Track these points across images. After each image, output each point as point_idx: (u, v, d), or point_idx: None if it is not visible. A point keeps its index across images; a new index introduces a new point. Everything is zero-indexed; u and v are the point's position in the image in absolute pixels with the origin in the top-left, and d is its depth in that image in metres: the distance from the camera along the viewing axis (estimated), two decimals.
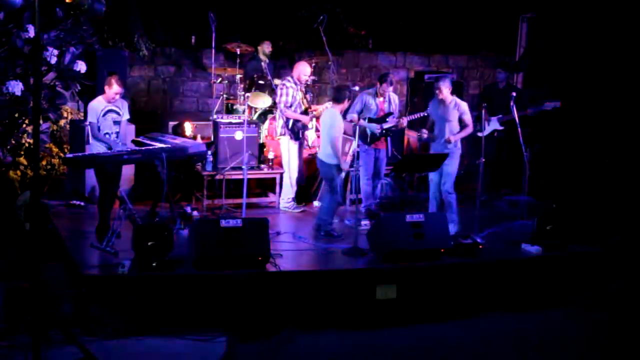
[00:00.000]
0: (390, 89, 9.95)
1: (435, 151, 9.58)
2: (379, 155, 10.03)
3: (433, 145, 9.71)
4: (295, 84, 10.29)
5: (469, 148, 10.38)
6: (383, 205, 10.46)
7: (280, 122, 10.34)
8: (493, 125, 10.83)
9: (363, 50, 13.22)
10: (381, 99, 9.96)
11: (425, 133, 9.70)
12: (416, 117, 10.39)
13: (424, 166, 9.86)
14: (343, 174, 10.16)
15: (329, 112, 9.42)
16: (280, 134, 10.37)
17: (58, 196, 10.28)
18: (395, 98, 10.15)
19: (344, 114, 9.58)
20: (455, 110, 9.52)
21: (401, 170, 10.36)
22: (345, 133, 9.68)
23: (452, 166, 9.47)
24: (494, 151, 10.87)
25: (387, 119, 9.91)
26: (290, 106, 10.25)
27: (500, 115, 10.77)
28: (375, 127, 9.86)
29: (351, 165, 9.81)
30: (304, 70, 10.36)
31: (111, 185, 8.75)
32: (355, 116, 9.74)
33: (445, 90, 9.52)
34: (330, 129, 9.27)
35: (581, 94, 11.97)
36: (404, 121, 10.11)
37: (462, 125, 9.56)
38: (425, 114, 10.16)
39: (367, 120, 9.82)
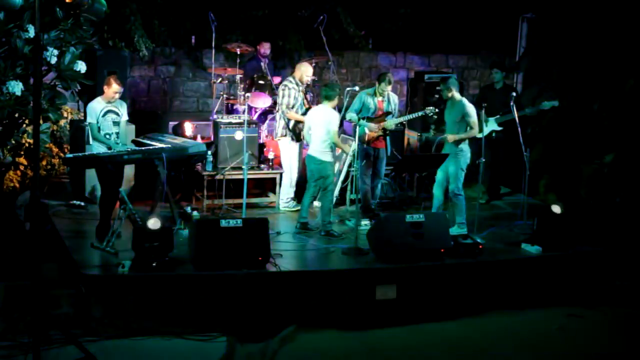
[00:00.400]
0: (389, 88, 9.94)
1: (447, 151, 9.58)
2: (378, 155, 10.02)
3: (446, 145, 9.73)
4: (297, 84, 10.28)
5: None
6: (383, 205, 10.47)
7: (281, 123, 10.33)
8: (491, 126, 10.82)
9: (363, 50, 13.21)
10: (380, 98, 9.95)
11: (432, 128, 9.80)
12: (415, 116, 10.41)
13: (424, 166, 9.84)
14: (344, 171, 10.16)
15: (324, 109, 9.43)
16: (281, 135, 10.37)
17: (58, 196, 10.27)
18: (394, 97, 10.14)
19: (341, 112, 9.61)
20: (459, 111, 9.51)
21: (401, 170, 10.36)
22: (345, 133, 9.67)
23: (455, 167, 9.46)
24: (493, 152, 10.85)
25: (386, 119, 9.91)
26: (292, 107, 10.24)
27: (498, 116, 10.77)
28: (374, 127, 9.86)
29: (350, 165, 9.79)
30: (306, 70, 10.32)
31: (113, 185, 8.74)
32: (354, 115, 9.75)
33: (445, 91, 9.56)
34: (329, 124, 9.30)
35: (581, 94, 11.96)
36: None
37: (467, 127, 9.54)
38: (424, 114, 10.16)
39: (365, 120, 9.82)
